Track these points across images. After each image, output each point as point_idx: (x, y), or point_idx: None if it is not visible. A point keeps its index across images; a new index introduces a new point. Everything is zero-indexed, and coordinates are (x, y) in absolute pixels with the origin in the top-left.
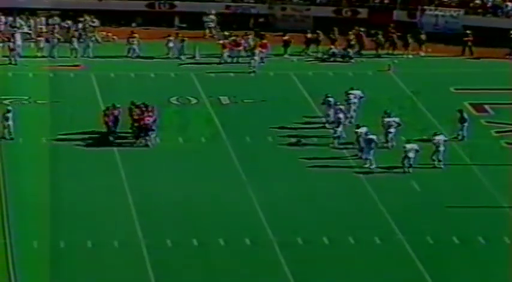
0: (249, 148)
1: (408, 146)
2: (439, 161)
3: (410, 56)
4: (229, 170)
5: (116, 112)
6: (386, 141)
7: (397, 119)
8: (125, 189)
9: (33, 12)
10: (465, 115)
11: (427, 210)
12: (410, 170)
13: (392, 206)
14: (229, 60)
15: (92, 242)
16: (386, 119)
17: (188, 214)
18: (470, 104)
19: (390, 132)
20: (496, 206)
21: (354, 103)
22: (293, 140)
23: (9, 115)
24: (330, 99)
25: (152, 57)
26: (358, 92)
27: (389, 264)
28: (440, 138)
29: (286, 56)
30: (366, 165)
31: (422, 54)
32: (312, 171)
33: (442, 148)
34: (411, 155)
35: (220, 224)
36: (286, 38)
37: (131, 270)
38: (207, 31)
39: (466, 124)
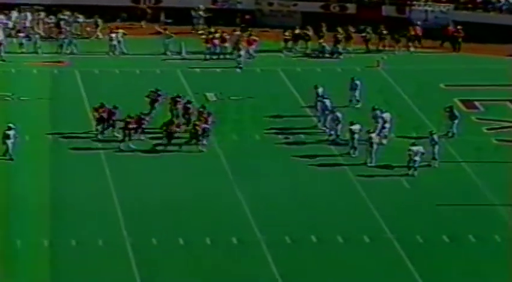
0: (235, 146)
1: (414, 148)
2: (434, 159)
3: (399, 52)
4: (215, 168)
5: (101, 110)
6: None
7: (386, 115)
8: (110, 189)
9: (16, 7)
10: (456, 112)
11: (417, 209)
12: (415, 172)
13: (381, 204)
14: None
15: (76, 241)
16: (380, 114)
17: (174, 213)
18: (461, 101)
19: (385, 128)
20: (486, 204)
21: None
22: (281, 137)
23: (11, 133)
24: (326, 101)
25: (137, 54)
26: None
27: (379, 263)
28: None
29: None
30: (369, 164)
31: (412, 50)
32: (300, 169)
33: (417, 158)
34: (417, 158)
35: (207, 222)
36: (286, 34)
37: (116, 269)
38: (196, 26)
39: (456, 121)
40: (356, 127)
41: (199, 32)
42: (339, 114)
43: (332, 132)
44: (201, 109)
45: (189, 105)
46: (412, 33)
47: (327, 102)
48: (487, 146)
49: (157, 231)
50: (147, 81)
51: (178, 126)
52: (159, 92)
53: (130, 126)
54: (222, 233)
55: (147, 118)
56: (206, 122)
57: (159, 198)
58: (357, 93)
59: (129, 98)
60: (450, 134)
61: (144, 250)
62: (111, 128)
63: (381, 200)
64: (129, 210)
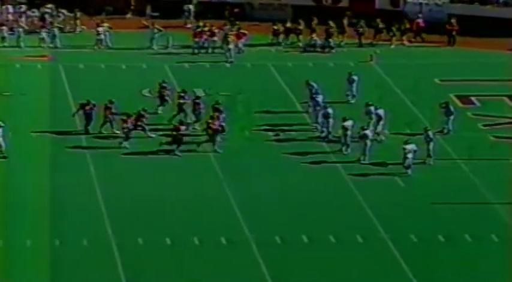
0: (224, 143)
1: (408, 147)
2: (429, 156)
3: (392, 46)
4: (204, 166)
5: (88, 108)
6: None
7: (380, 111)
8: (94, 187)
9: None
10: (451, 108)
11: (411, 207)
12: (409, 171)
13: (375, 203)
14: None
15: (59, 241)
16: (375, 111)
17: (161, 212)
18: (456, 96)
19: (379, 125)
20: (483, 203)
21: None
22: (271, 134)
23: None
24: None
25: (123, 48)
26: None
27: (372, 263)
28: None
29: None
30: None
31: (406, 44)
32: (291, 167)
33: (410, 156)
34: (410, 156)
35: (195, 222)
36: (288, 25)
37: (101, 269)
38: (185, 20)
39: (452, 117)
40: (349, 123)
41: (188, 25)
42: (330, 110)
43: (323, 129)
44: (216, 105)
45: (198, 101)
46: (408, 26)
47: (319, 97)
48: (484, 143)
49: (143, 231)
50: (133, 76)
51: (182, 124)
52: (164, 85)
53: (126, 125)
54: (211, 233)
55: (146, 115)
56: (218, 119)
57: (145, 197)
58: (354, 88)
59: (115, 94)
60: (445, 131)
61: (130, 250)
62: (109, 125)
63: (375, 198)
64: (115, 209)
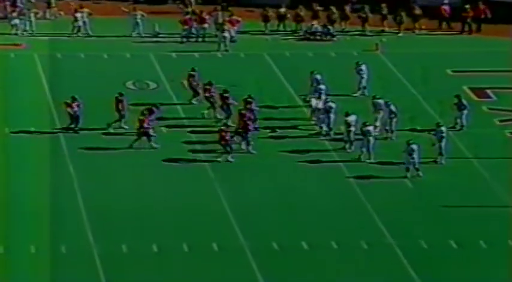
0: (216, 140)
1: (413, 146)
2: (440, 154)
3: (400, 34)
4: (194, 165)
5: (75, 105)
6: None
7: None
8: (74, 190)
9: None
10: (464, 101)
11: (420, 210)
12: (420, 172)
13: (381, 206)
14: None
15: (35, 247)
16: (386, 106)
17: (147, 216)
18: (470, 89)
19: (392, 121)
20: (499, 205)
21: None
22: (267, 131)
23: None
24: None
25: (105, 36)
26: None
27: (378, 271)
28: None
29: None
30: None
31: (417, 31)
32: (289, 166)
33: (415, 156)
34: (415, 156)
35: (184, 227)
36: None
37: (81, 279)
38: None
39: (465, 111)
40: (352, 118)
41: (180, 6)
42: (332, 104)
43: (322, 125)
44: (249, 99)
45: (227, 95)
46: (419, 12)
47: (322, 87)
48: (500, 140)
49: (127, 237)
50: (116, 66)
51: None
52: (193, 73)
53: (145, 125)
54: (201, 239)
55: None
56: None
57: (130, 201)
58: (363, 80)
59: (96, 86)
60: (458, 127)
61: (113, 258)
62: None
63: (381, 200)
64: (96, 213)
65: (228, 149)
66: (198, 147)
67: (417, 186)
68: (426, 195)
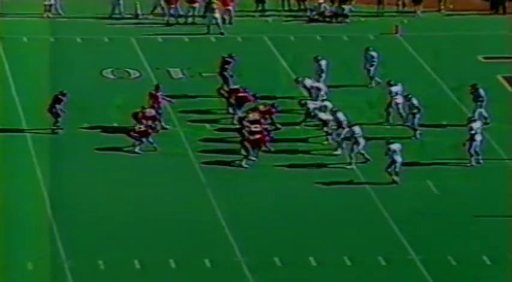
0: (209, 140)
1: (392, 146)
2: (471, 155)
3: (419, 12)
4: (184, 169)
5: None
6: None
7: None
8: (42, 194)
9: None
10: (481, 92)
11: (448, 221)
12: (397, 178)
13: (402, 216)
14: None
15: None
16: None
17: (129, 227)
18: (504, 78)
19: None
20: None
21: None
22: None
23: None
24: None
25: (78, 17)
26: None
27: None
28: (395, 146)
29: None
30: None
31: (443, 11)
32: (292, 172)
33: (399, 159)
34: (399, 158)
35: (172, 240)
36: None
37: None
38: None
39: (483, 104)
40: (396, 147)
41: None
42: (327, 104)
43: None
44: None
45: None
46: None
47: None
48: None
49: (104, 251)
50: (92, 52)
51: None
52: (229, 60)
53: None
54: (191, 254)
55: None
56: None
57: (107, 208)
58: (372, 69)
59: (69, 75)
60: (484, 121)
61: (87, 275)
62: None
63: (401, 209)
64: (66, 223)
65: (246, 153)
66: (188, 148)
67: (444, 192)
68: (455, 202)
